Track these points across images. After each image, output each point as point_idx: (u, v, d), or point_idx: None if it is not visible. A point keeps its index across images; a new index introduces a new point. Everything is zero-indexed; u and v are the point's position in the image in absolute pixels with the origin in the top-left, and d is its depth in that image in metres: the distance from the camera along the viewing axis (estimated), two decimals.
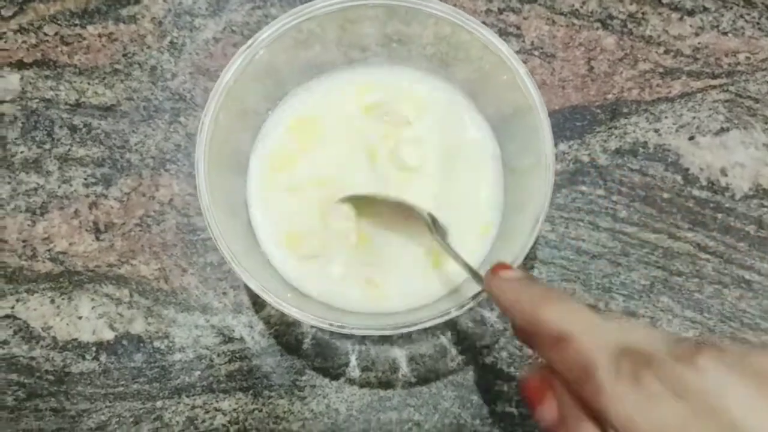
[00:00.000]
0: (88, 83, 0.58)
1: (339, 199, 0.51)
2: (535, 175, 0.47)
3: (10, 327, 0.55)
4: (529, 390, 0.32)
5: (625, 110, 0.58)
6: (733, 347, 0.28)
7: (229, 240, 0.46)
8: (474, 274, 0.41)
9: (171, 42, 0.59)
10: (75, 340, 0.55)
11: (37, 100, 0.58)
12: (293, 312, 0.44)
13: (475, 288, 0.44)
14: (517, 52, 0.58)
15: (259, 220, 0.52)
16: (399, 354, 0.54)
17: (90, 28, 0.59)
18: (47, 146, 0.57)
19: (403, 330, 0.43)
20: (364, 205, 0.51)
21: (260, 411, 0.54)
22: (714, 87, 0.59)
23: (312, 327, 0.54)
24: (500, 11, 0.59)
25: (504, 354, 0.54)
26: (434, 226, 0.48)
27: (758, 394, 0.25)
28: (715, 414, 0.25)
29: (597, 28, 0.59)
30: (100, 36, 0.59)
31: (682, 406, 0.25)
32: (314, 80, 0.54)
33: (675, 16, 0.60)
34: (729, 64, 0.59)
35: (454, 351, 0.55)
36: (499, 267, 0.36)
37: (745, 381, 0.25)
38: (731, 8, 0.60)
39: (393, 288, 0.51)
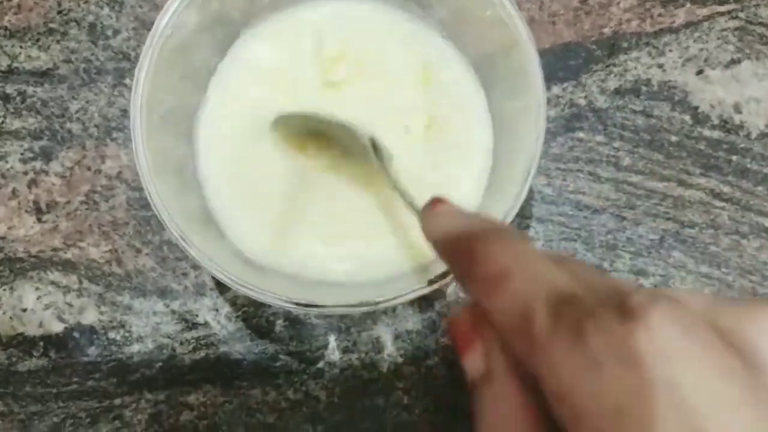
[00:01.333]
0: (21, 46, 0.51)
1: (271, 122, 0.44)
2: (525, 120, 0.40)
3: None
4: (456, 334, 0.26)
5: (625, 45, 0.51)
6: (700, 298, 0.22)
7: (177, 214, 0.39)
8: (416, 211, 0.34)
9: None
10: (20, 335, 0.48)
11: None
12: (252, 293, 0.37)
13: None
14: None
15: (213, 186, 0.45)
16: (383, 332, 0.48)
17: None
18: None
19: (385, 305, 0.36)
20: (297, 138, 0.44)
21: (231, 403, 0.47)
22: (722, 14, 0.51)
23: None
24: None
25: None
26: (375, 152, 0.41)
27: (714, 367, 0.19)
28: (663, 390, 0.19)
29: None
30: None
31: (628, 377, 0.19)
32: (270, 22, 0.46)
33: None
34: None
35: (444, 325, 0.48)
36: (435, 202, 0.30)
37: (703, 349, 0.19)
38: None
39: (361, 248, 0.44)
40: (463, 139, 0.46)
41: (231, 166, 0.45)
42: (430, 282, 0.37)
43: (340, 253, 0.44)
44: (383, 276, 0.43)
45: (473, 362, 0.25)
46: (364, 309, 0.37)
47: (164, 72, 0.40)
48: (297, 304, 0.37)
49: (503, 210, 0.38)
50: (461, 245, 0.26)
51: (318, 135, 0.44)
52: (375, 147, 0.40)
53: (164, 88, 0.41)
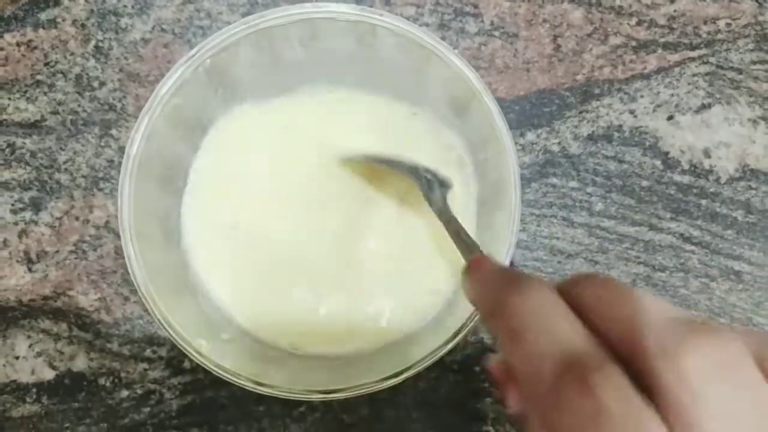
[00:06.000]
0: (9, 98, 0.50)
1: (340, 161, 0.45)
2: (502, 204, 0.40)
3: None
4: (493, 379, 0.27)
5: (597, 91, 0.50)
6: (755, 336, 0.20)
7: (155, 276, 0.39)
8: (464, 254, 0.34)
9: (96, 46, 0.50)
10: (14, 381, 0.48)
11: None
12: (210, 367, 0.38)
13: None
14: (475, 34, 0.50)
15: (197, 250, 0.45)
16: None
17: (7, 36, 0.51)
18: None
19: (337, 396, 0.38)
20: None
21: None
22: (693, 59, 0.51)
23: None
24: None
25: (476, 369, 0.47)
26: (430, 188, 0.41)
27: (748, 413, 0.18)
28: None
29: (562, 1, 0.51)
30: (18, 45, 0.51)
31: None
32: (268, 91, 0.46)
33: None
34: (708, 33, 0.51)
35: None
36: (473, 263, 0.29)
37: (744, 398, 0.18)
38: None
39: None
40: None
41: (218, 223, 0.45)
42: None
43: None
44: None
45: (511, 402, 0.25)
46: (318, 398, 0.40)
47: (160, 131, 0.40)
48: (256, 382, 0.38)
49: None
50: (489, 301, 0.26)
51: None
52: (431, 181, 0.41)
53: (158, 146, 0.41)
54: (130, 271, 0.38)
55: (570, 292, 0.23)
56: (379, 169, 0.45)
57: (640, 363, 0.20)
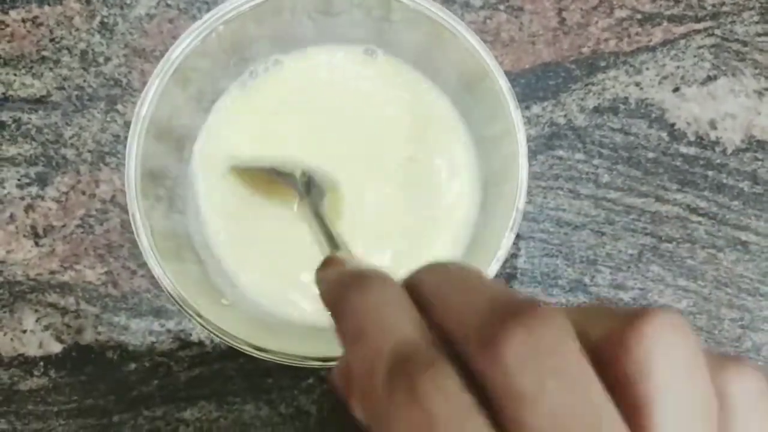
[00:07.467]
0: (15, 74, 0.50)
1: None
2: (508, 182, 0.40)
3: None
4: (335, 390, 0.23)
5: (603, 64, 0.50)
6: (575, 312, 0.18)
7: (159, 235, 0.39)
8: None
9: (101, 22, 0.50)
10: (21, 355, 0.48)
11: None
12: (215, 335, 0.38)
13: None
14: (480, 8, 0.50)
15: (205, 213, 0.44)
16: None
17: (12, 13, 0.51)
18: None
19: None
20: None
21: (225, 419, 0.47)
22: (698, 31, 0.51)
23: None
24: None
25: None
26: (307, 189, 0.40)
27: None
28: None
29: None
30: (24, 21, 0.50)
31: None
32: (281, 55, 0.46)
33: None
34: (713, 5, 0.51)
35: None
36: (326, 262, 0.27)
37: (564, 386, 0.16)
38: None
39: None
40: (450, 158, 0.45)
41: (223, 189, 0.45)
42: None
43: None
44: None
45: (357, 412, 0.21)
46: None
47: (170, 95, 0.40)
48: (257, 348, 0.38)
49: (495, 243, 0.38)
50: (333, 304, 0.23)
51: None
52: (309, 183, 0.40)
53: (168, 110, 0.40)
54: (133, 225, 0.38)
55: (416, 285, 0.21)
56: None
57: (466, 357, 0.17)
